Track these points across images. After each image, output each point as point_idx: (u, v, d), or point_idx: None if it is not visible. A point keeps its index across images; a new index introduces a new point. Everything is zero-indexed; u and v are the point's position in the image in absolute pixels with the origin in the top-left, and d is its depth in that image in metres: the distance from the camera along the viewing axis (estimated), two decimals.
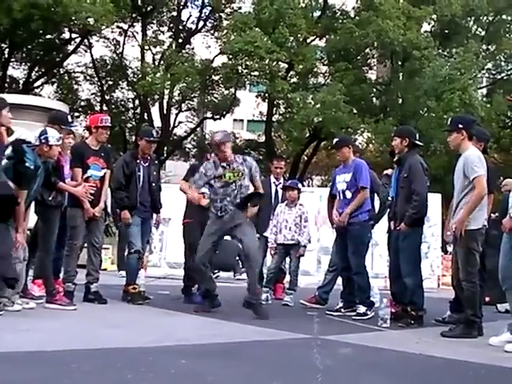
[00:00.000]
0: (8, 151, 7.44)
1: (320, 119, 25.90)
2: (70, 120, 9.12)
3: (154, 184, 9.81)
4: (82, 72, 34.07)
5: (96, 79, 33.42)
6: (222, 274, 14.58)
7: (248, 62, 26.16)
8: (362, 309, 9.13)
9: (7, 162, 7.34)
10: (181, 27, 33.41)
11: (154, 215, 10.04)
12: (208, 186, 8.84)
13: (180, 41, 32.69)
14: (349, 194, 9.35)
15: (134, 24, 32.65)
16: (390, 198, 9.00)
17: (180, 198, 10.25)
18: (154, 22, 33.23)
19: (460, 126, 7.71)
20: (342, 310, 9.45)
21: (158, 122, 32.18)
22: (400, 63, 29.03)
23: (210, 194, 8.88)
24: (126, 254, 10.00)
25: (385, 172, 9.68)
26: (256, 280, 8.83)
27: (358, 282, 9.36)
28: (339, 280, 10.11)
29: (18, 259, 7.62)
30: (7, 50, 30.31)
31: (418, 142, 8.88)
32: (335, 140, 10.03)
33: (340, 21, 29.42)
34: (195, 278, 9.97)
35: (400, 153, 8.72)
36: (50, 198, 8.18)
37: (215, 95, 33.19)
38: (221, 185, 8.73)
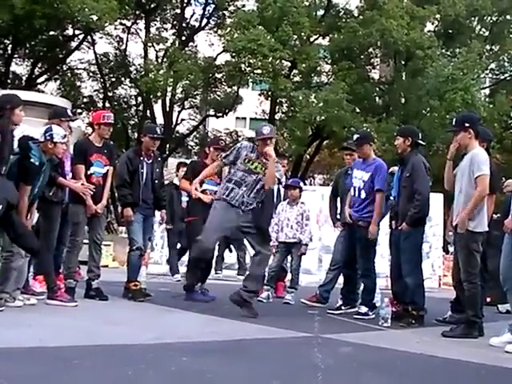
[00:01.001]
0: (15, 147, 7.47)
1: (323, 118, 25.94)
2: (69, 114, 9.10)
3: (156, 181, 9.81)
4: (84, 69, 34.15)
5: (99, 76, 33.47)
6: (225, 272, 14.63)
7: (251, 60, 26.17)
8: (363, 309, 9.10)
9: (12, 158, 7.35)
10: (184, 25, 33.43)
11: (158, 212, 10.05)
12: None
13: (183, 38, 32.69)
14: (363, 194, 9.22)
15: (138, 21, 32.69)
16: (392, 198, 9.00)
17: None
18: (158, 19, 33.25)
19: (466, 124, 7.68)
20: (343, 308, 9.44)
21: (160, 120, 32.21)
22: (403, 63, 29.02)
23: (227, 175, 8.85)
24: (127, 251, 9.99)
25: (390, 170, 9.65)
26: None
27: (365, 283, 9.33)
28: (340, 278, 10.11)
29: (19, 254, 7.62)
30: (10, 46, 30.33)
31: (420, 142, 8.87)
32: (356, 136, 9.71)
33: (343, 20, 29.42)
34: (198, 276, 9.98)
35: (403, 152, 8.71)
36: (51, 194, 8.19)
37: (218, 93, 33.24)
38: (243, 168, 8.59)
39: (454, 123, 7.96)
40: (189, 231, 10.21)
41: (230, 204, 8.53)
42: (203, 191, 9.93)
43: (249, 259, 11.15)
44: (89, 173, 9.06)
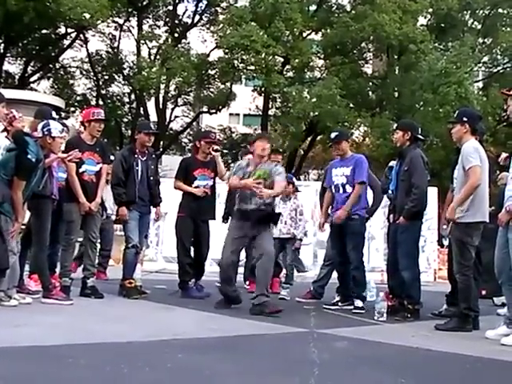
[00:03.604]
0: (8, 144, 7.43)
1: (316, 113, 25.96)
2: (53, 115, 8.95)
3: (152, 178, 9.82)
4: (77, 67, 34.10)
5: (92, 74, 33.46)
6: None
7: (244, 56, 26.19)
8: (359, 303, 9.13)
9: (7, 154, 7.32)
10: (177, 21, 33.41)
11: (154, 209, 10.07)
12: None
13: (176, 35, 32.64)
14: (349, 189, 9.29)
15: (130, 18, 32.68)
16: (390, 191, 9.01)
17: (176, 192, 10.26)
18: (150, 16, 33.21)
19: (464, 118, 7.73)
20: (339, 304, 9.45)
21: (154, 117, 32.17)
22: (396, 57, 29.08)
23: (238, 194, 8.88)
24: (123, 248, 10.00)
25: (390, 164, 9.66)
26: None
27: (356, 276, 9.36)
28: (334, 274, 10.11)
29: (12, 252, 7.58)
30: (3, 45, 30.28)
31: (419, 136, 8.90)
32: (334, 134, 9.85)
33: (336, 15, 29.43)
34: (190, 273, 10.00)
35: (402, 146, 8.73)
36: (40, 188, 8.09)
37: (211, 89, 33.17)
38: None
39: (455, 115, 8.05)
40: (177, 227, 10.22)
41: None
42: (195, 188, 10.03)
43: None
44: (80, 171, 9.03)
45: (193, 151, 10.99)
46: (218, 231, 10.49)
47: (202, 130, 33.52)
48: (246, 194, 8.63)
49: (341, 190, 9.39)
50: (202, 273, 10.27)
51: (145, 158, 9.74)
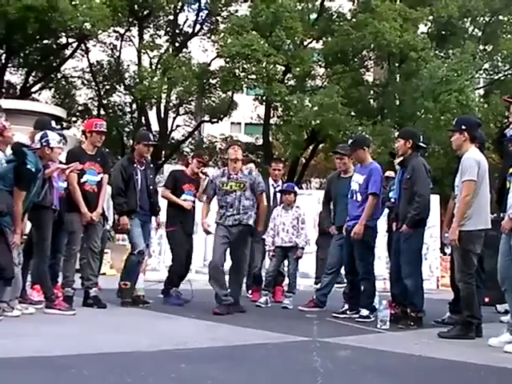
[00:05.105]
0: (8, 155, 7.45)
1: (318, 122, 25.95)
2: (53, 125, 8.95)
3: (151, 187, 9.85)
4: (79, 77, 34.20)
5: (93, 84, 33.51)
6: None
7: (245, 65, 26.26)
8: (365, 312, 9.08)
9: (6, 166, 7.33)
10: (177, 31, 33.47)
11: (153, 218, 10.13)
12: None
13: (177, 44, 32.73)
14: (359, 197, 9.26)
15: (131, 28, 32.72)
16: (392, 200, 8.99)
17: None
18: (151, 25, 33.26)
19: (463, 127, 7.72)
20: (348, 312, 9.40)
21: (155, 126, 32.22)
22: (397, 65, 29.11)
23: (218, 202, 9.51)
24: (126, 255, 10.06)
25: (386, 174, 9.65)
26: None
27: (365, 286, 9.34)
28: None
29: (13, 263, 7.58)
30: (4, 55, 30.38)
31: (421, 144, 8.89)
32: (350, 141, 9.84)
33: (337, 23, 29.48)
34: (176, 282, 10.17)
35: (403, 154, 8.70)
36: (40, 199, 8.09)
37: (212, 98, 33.23)
38: (222, 193, 9.31)
39: (453, 123, 8.03)
40: (170, 241, 10.46)
41: (224, 226, 9.31)
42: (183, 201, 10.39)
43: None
44: (82, 181, 9.04)
45: (183, 165, 11.20)
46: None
47: (207, 141, 33.77)
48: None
49: (354, 197, 9.36)
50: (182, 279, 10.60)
51: (143, 168, 9.81)
